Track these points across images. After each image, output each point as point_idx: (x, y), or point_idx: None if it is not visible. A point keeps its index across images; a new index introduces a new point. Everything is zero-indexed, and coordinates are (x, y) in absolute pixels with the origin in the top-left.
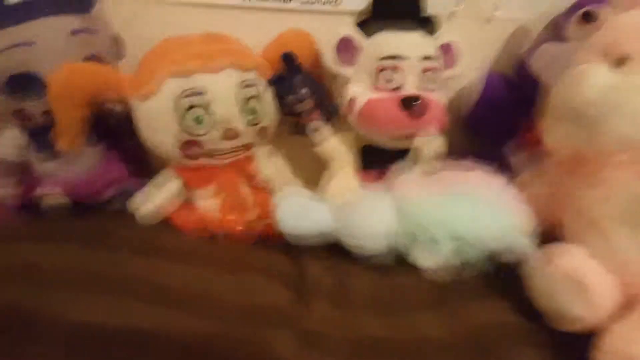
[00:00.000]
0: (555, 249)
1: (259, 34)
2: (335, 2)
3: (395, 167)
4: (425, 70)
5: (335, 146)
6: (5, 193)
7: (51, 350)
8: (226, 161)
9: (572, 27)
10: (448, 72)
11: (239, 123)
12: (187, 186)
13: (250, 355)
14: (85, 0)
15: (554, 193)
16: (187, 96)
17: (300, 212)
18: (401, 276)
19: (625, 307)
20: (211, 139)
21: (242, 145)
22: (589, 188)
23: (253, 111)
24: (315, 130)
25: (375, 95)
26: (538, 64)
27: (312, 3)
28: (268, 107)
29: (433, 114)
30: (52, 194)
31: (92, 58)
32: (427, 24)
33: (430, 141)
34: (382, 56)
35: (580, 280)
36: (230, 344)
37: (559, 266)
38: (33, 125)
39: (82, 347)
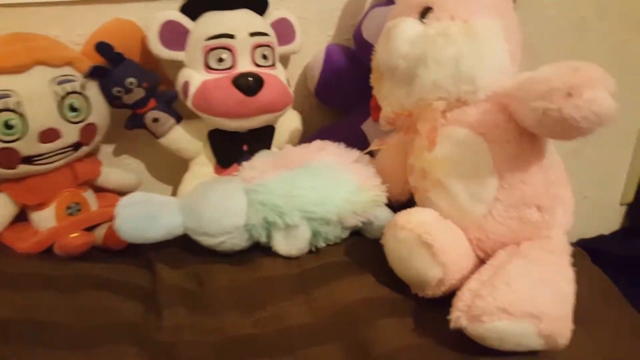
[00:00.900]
0: (406, 214)
1: (86, 28)
2: None
3: (246, 151)
4: (256, 46)
5: (179, 136)
6: None
7: None
8: (52, 166)
9: None
10: (285, 48)
11: (57, 122)
12: (15, 200)
13: None
14: None
15: (403, 159)
16: None
17: (144, 222)
18: (264, 268)
19: (481, 262)
20: (27, 143)
21: (69, 146)
22: (426, 149)
23: (74, 108)
24: (155, 120)
25: (208, 77)
26: (369, 31)
27: None
28: (94, 102)
29: (271, 90)
30: None
31: None
32: (255, 2)
33: (283, 118)
34: (208, 36)
35: (430, 243)
36: None
37: (410, 231)
38: None
39: None
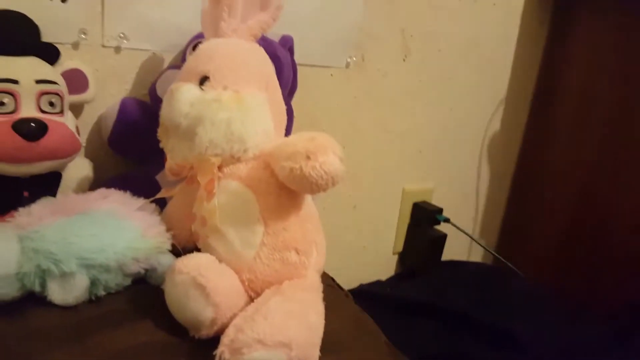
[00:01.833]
0: (185, 258)
1: None
2: None
3: (27, 198)
4: (42, 94)
5: None
6: None
7: None
8: None
9: (188, 57)
10: (77, 97)
11: None
12: None
13: None
14: None
15: (190, 208)
16: None
17: None
18: (36, 318)
19: (250, 302)
20: None
21: None
22: (205, 199)
23: None
24: None
25: None
26: (161, 89)
27: None
28: None
29: (55, 137)
30: None
31: None
32: (45, 51)
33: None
34: None
35: (203, 284)
36: None
37: (186, 274)
38: None
39: None
